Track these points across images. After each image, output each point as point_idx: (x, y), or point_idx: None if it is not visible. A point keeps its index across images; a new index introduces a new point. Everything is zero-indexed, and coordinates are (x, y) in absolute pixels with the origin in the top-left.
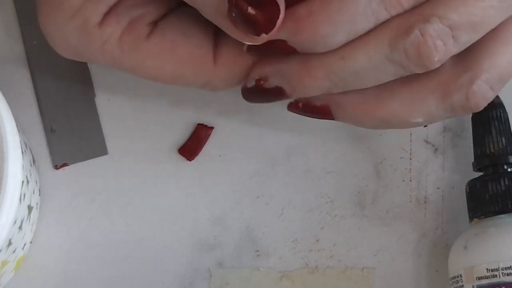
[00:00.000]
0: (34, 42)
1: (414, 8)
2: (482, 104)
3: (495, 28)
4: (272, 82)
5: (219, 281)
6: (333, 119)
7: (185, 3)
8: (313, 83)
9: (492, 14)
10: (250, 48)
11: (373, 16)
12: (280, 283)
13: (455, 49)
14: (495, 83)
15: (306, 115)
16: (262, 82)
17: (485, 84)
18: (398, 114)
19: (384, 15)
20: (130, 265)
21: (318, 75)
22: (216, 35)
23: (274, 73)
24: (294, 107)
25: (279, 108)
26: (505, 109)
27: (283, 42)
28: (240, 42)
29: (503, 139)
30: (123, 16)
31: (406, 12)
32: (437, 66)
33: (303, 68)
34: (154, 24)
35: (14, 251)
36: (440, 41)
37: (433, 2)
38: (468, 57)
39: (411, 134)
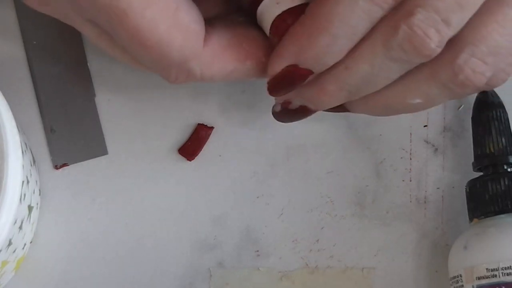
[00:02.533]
0: (34, 42)
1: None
2: (477, 78)
3: None
4: (296, 103)
5: (219, 281)
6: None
7: None
8: (330, 97)
9: None
10: (272, 85)
11: (365, 15)
12: (280, 283)
13: (450, 31)
14: (485, 55)
15: (292, 120)
16: (287, 105)
17: (471, 58)
18: (395, 98)
19: (377, 12)
20: (130, 265)
21: (331, 89)
22: (211, 24)
23: (295, 95)
24: (275, 115)
25: None
26: (505, 109)
27: (295, 66)
28: (231, 37)
29: (503, 139)
30: None
31: (392, 9)
32: (438, 51)
33: (317, 86)
34: None
35: (14, 251)
36: (431, 29)
37: None
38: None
39: (411, 134)
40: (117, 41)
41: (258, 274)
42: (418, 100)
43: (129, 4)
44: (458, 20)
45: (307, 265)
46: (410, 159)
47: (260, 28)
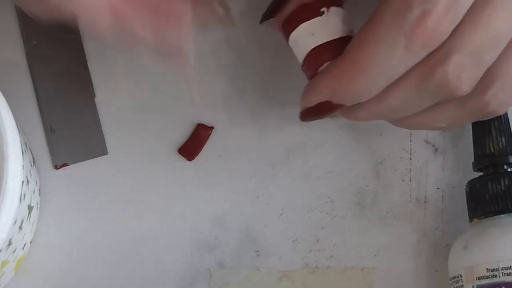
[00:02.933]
0: (34, 42)
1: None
2: (502, 109)
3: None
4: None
5: (219, 281)
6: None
7: None
8: (359, 119)
9: (508, 26)
10: (305, 115)
11: (403, 61)
12: (280, 283)
13: (482, 71)
14: (510, 88)
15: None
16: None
17: (498, 92)
18: (423, 122)
19: (414, 58)
20: (130, 265)
21: (361, 115)
22: None
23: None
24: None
25: (279, 108)
26: None
27: (329, 102)
28: None
29: (503, 139)
30: None
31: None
32: (470, 90)
33: (348, 111)
34: None
35: (14, 251)
36: (465, 73)
37: (450, 37)
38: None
39: (411, 134)
40: None
41: (258, 274)
42: (444, 125)
43: None
44: (490, 60)
45: (307, 265)
46: (410, 159)
47: None
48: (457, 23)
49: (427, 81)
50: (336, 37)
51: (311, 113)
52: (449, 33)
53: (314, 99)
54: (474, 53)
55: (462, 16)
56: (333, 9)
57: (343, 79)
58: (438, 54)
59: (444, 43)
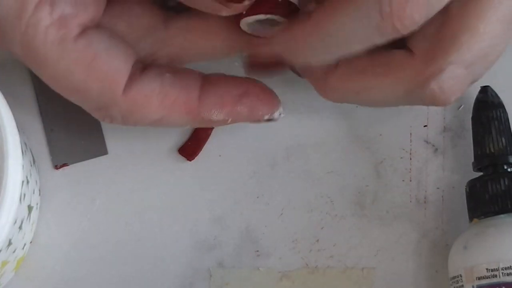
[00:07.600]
0: None
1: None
2: (451, 96)
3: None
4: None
5: (219, 281)
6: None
7: (121, 15)
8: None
9: (498, 41)
10: (251, 65)
11: (366, 39)
12: (280, 283)
13: (470, 81)
14: (462, 75)
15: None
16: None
17: (450, 78)
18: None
19: (380, 39)
20: (130, 265)
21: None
22: (144, 68)
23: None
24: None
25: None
26: (505, 109)
27: (278, 56)
28: (158, 86)
29: (503, 139)
30: (57, 7)
31: (421, 59)
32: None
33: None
34: (85, 28)
35: (14, 251)
36: (457, 85)
37: (444, 45)
38: (437, 47)
39: (411, 134)
40: None
41: (258, 274)
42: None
43: (45, 56)
44: (482, 70)
45: (307, 265)
46: (410, 159)
47: (198, 73)
48: (431, 16)
49: (418, 90)
50: None
51: (256, 64)
52: (421, 23)
53: (267, 49)
54: (467, 64)
55: (439, 9)
56: None
57: (301, 37)
58: (434, 66)
59: (438, 54)
